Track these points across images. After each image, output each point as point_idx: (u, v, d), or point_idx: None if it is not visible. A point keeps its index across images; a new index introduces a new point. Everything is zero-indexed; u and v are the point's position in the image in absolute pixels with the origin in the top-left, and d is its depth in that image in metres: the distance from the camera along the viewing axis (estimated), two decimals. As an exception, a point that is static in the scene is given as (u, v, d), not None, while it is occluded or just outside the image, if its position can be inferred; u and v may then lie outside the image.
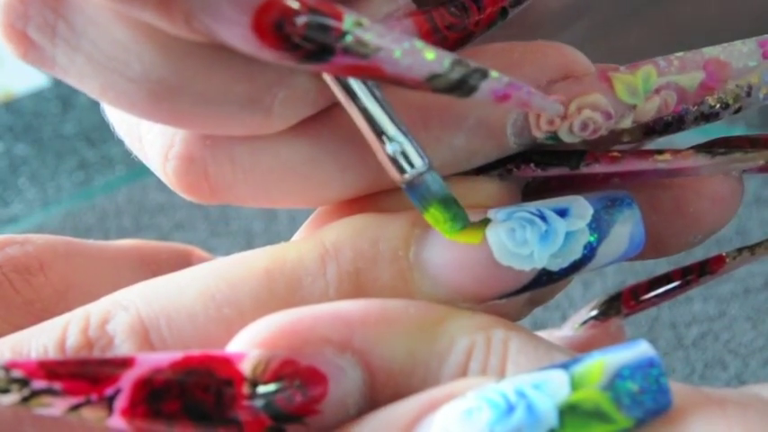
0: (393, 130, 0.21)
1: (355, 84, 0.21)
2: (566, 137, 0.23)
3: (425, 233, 0.21)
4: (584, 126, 0.22)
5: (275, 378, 0.19)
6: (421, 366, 0.20)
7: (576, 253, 0.21)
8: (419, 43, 0.19)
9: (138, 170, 0.51)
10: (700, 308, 0.43)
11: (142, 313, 0.20)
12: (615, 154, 0.23)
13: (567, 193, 0.22)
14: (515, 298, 0.22)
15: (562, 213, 0.22)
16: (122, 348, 0.20)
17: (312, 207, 0.24)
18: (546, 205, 0.22)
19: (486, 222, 0.21)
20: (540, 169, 0.23)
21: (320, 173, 0.22)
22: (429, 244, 0.21)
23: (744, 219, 0.47)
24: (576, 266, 0.22)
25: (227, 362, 0.19)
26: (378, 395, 0.20)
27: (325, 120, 0.22)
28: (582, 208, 0.22)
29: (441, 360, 0.20)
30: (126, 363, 0.19)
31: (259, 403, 0.19)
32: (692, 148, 0.23)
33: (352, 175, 0.22)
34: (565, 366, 0.19)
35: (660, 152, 0.23)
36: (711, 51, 0.23)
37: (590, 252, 0.22)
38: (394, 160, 0.21)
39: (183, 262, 0.26)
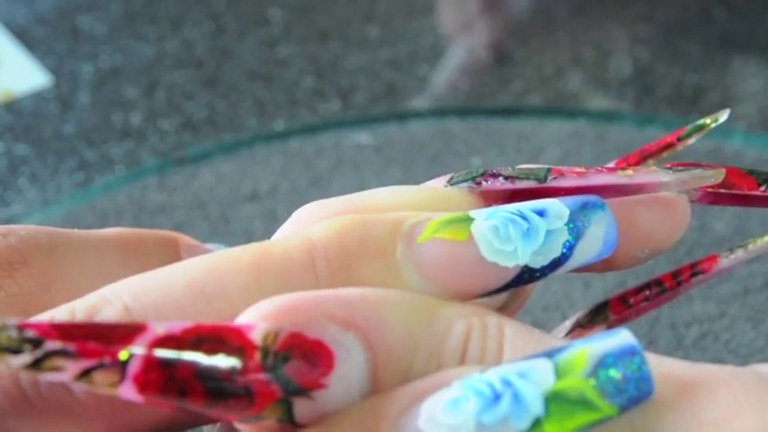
0: None
1: None
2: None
3: (411, 231, 0.22)
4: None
5: (285, 348, 0.19)
6: (423, 347, 0.20)
7: (556, 251, 0.22)
8: None
9: (138, 170, 0.51)
10: (700, 308, 0.43)
11: (129, 307, 0.20)
12: (580, 169, 0.24)
13: None
14: (495, 297, 0.22)
15: (540, 214, 0.22)
16: None
17: None
18: (524, 206, 0.22)
19: (470, 220, 0.22)
20: (508, 182, 0.24)
21: None
22: (415, 241, 0.21)
23: (744, 218, 0.47)
24: (555, 265, 0.22)
25: (239, 331, 0.19)
26: (381, 377, 0.20)
27: None
28: (558, 208, 0.22)
29: (441, 340, 0.20)
30: (138, 328, 0.18)
31: (271, 373, 0.19)
32: (653, 165, 0.25)
33: None
34: (549, 355, 0.19)
35: (623, 168, 0.24)
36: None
37: (569, 251, 0.22)
38: None
39: (170, 248, 0.26)
